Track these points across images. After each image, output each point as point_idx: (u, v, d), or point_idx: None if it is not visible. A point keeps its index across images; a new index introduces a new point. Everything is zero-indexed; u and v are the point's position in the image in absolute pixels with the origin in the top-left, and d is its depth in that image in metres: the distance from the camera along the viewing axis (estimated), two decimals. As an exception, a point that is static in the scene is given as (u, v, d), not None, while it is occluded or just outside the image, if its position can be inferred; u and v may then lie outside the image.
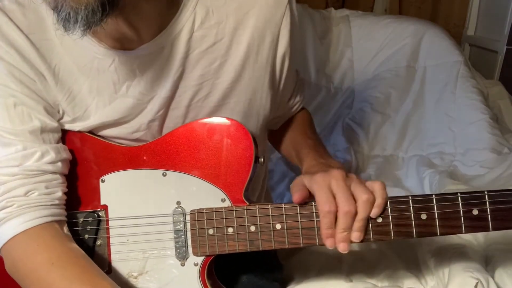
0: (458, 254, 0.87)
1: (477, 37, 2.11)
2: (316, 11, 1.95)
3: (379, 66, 1.78)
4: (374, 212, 0.61)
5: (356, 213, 0.60)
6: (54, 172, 0.64)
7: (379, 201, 0.61)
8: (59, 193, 0.65)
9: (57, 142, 0.66)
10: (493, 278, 0.81)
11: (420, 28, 1.77)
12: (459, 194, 0.62)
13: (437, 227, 0.62)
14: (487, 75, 1.84)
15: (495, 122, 1.53)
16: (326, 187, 0.61)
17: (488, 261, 0.90)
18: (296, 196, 0.62)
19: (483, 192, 0.62)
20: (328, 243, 0.62)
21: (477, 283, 0.77)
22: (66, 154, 0.67)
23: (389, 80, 1.71)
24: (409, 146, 1.56)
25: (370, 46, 1.82)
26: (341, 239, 0.61)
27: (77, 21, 0.51)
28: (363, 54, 1.83)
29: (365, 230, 0.62)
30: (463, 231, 0.62)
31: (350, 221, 0.60)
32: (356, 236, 0.61)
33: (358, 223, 0.61)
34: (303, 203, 0.64)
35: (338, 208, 0.60)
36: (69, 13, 0.50)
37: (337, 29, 1.89)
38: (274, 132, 0.88)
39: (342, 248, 0.61)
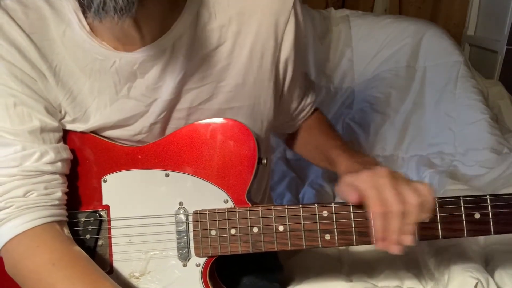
0: (458, 254, 0.87)
1: (477, 37, 2.11)
2: (316, 11, 1.94)
3: (379, 66, 1.77)
4: (422, 217, 0.59)
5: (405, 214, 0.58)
6: (53, 173, 0.64)
7: (427, 206, 0.59)
8: (59, 194, 0.64)
9: (58, 142, 0.66)
10: (493, 278, 0.82)
11: (420, 28, 1.76)
12: (461, 197, 0.63)
13: (439, 230, 0.63)
14: (487, 75, 1.84)
15: (495, 122, 1.53)
16: (375, 187, 0.58)
17: (488, 261, 0.90)
18: (354, 196, 0.60)
19: (485, 196, 0.62)
20: (382, 246, 0.60)
21: (477, 283, 0.78)
22: (66, 154, 0.66)
23: (389, 80, 1.71)
24: (409, 146, 1.57)
25: (370, 46, 1.81)
26: (395, 242, 0.58)
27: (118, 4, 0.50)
28: (363, 54, 1.82)
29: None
30: (465, 235, 0.62)
31: (403, 223, 0.58)
32: (410, 240, 0.58)
33: (409, 226, 0.58)
34: (306, 205, 0.64)
35: (391, 209, 0.57)
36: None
37: (337, 29, 1.88)
38: (292, 135, 0.87)
39: (397, 250, 0.58)
